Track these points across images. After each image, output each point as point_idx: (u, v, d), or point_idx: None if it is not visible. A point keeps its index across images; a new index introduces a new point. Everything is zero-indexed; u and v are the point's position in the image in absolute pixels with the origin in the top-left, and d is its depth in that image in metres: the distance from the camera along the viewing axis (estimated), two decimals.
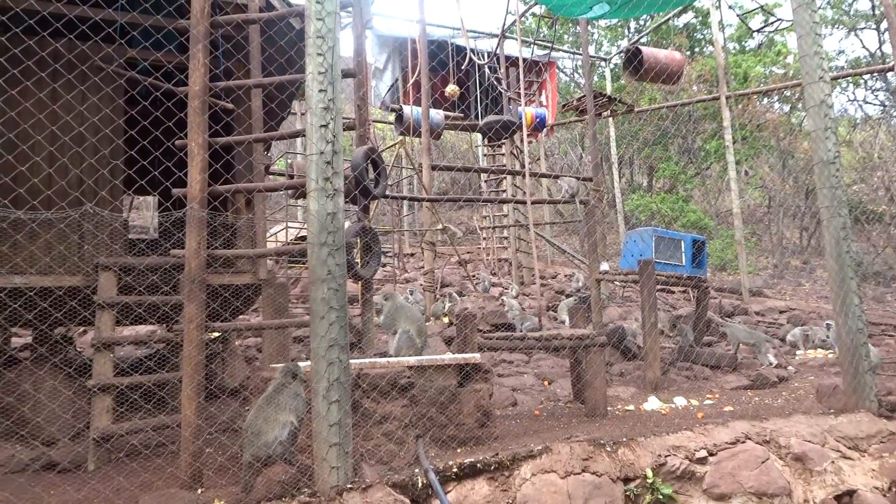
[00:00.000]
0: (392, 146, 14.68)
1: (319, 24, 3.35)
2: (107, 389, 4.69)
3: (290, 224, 11.79)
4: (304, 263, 11.40)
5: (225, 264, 5.70)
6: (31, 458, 4.76)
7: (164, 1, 5.31)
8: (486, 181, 19.52)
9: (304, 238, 11.05)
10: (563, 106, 16.51)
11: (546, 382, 7.64)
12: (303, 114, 16.42)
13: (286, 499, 3.14)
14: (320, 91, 3.32)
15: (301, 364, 3.60)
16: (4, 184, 5.00)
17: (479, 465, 3.52)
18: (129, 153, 5.95)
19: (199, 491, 3.36)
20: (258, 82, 4.99)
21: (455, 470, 3.50)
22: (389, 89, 16.69)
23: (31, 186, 5.27)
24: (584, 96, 13.86)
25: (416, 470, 3.51)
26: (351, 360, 3.48)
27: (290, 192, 11.65)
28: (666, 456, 3.79)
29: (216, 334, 6.98)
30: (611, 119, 19.95)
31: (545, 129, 17.53)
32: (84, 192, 5.76)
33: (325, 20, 3.37)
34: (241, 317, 9.29)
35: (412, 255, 20.67)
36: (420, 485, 3.38)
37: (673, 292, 15.94)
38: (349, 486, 3.25)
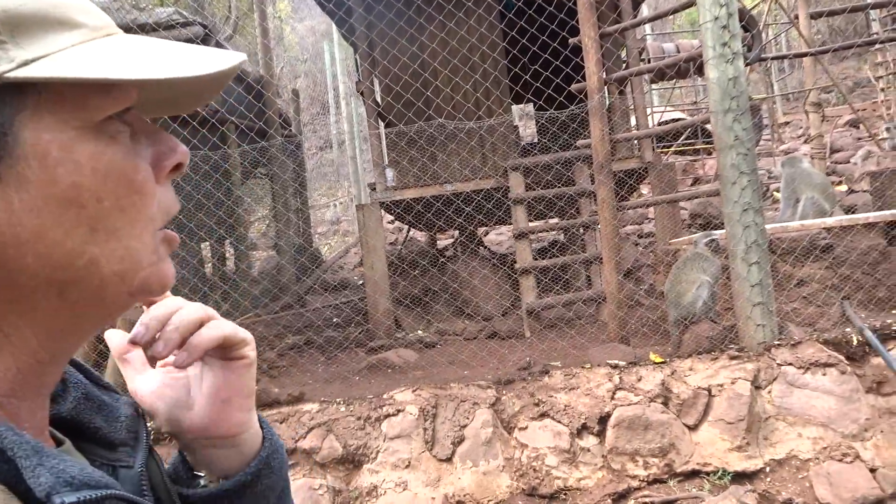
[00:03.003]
0: (757, 5, 13.10)
1: None
2: (528, 272, 5.50)
3: (664, 109, 11.81)
4: (668, 149, 11.24)
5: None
6: (477, 329, 5.91)
7: None
8: (878, 19, 16.16)
9: (671, 121, 10.86)
10: None
11: None
12: None
13: (715, 353, 3.39)
14: None
15: (714, 233, 3.74)
16: (430, 108, 6.04)
17: None
18: (507, 66, 6.60)
19: (631, 348, 3.82)
20: None
21: None
22: None
23: (439, 109, 6.29)
24: None
25: (848, 329, 3.42)
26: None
27: (648, 76, 11.44)
28: None
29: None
30: None
31: None
32: (479, 107, 6.60)
33: None
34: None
35: (786, 123, 18.54)
36: (854, 342, 3.30)
37: None
38: (776, 342, 3.35)
